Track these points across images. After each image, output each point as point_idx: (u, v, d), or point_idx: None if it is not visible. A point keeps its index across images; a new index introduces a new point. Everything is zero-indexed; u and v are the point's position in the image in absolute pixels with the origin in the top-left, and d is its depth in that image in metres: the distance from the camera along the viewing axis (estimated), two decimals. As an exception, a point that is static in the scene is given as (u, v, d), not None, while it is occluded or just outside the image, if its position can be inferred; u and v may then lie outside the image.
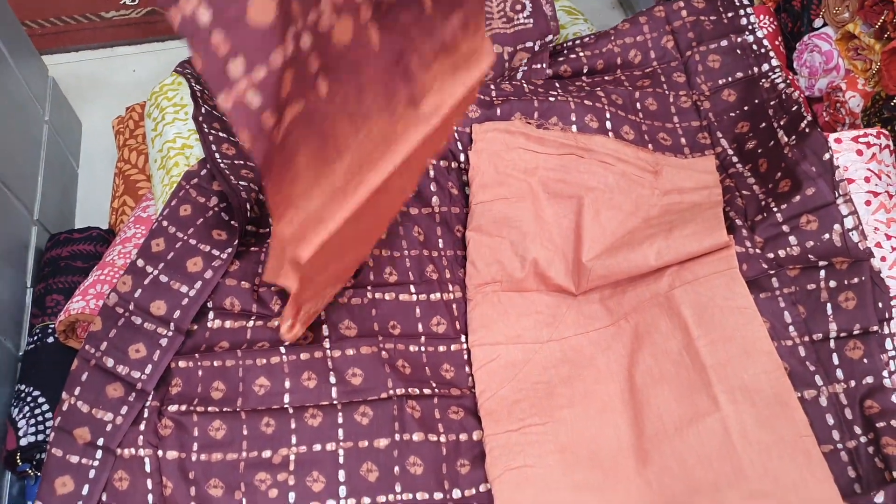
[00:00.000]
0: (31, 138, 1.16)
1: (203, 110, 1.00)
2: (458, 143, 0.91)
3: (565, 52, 1.08)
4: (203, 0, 0.40)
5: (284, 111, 0.47)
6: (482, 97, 0.94)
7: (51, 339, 0.95)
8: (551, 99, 0.94)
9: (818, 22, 1.01)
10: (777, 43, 1.04)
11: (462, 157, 0.91)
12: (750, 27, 1.02)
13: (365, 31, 0.52)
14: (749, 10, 1.04)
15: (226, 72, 0.42)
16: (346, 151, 0.58)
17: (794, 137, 0.86)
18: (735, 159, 0.94)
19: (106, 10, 1.56)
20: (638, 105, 0.99)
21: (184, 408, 0.77)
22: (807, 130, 0.84)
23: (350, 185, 0.61)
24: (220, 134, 0.98)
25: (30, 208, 1.10)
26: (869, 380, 0.74)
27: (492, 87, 0.97)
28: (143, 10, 1.56)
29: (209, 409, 0.78)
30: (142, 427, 0.76)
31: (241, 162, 0.95)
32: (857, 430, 0.73)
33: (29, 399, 0.87)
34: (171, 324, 0.83)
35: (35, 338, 0.96)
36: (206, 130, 0.97)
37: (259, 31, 0.43)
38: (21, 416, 0.85)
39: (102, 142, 1.34)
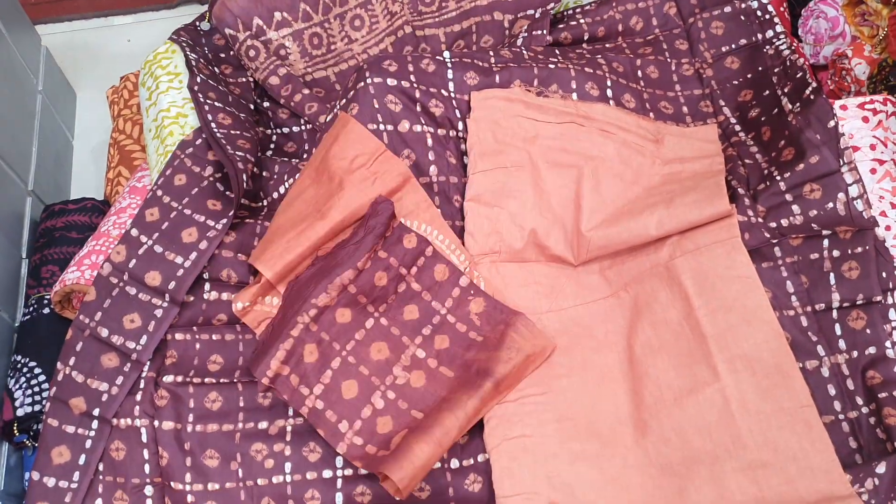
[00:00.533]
0: (24, 109, 1.14)
1: (199, 79, 0.98)
2: (457, 111, 0.90)
3: (566, 18, 1.05)
4: (318, 397, 0.73)
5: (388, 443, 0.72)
6: (480, 63, 0.92)
7: (46, 310, 0.95)
8: (551, 66, 0.92)
9: (825, -13, 0.98)
10: (782, 9, 1.02)
11: (460, 126, 0.89)
12: (755, -8, 0.99)
13: (437, 372, 0.76)
14: (754, -26, 1.01)
15: (337, 429, 0.73)
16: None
17: (798, 105, 0.84)
18: (738, 128, 0.92)
19: (99, -22, 1.53)
20: (639, 73, 0.97)
21: (180, 379, 0.77)
22: (811, 97, 0.82)
23: None
24: (216, 104, 0.96)
25: (24, 179, 1.09)
26: (871, 350, 0.73)
27: (491, 53, 0.95)
28: (137, -21, 1.53)
29: (206, 380, 0.77)
30: (138, 397, 0.76)
31: (238, 132, 0.94)
32: (859, 400, 0.73)
33: (25, 370, 0.86)
34: (167, 294, 0.83)
35: (31, 309, 0.96)
36: (201, 100, 0.95)
37: (350, 401, 0.74)
38: (17, 386, 0.85)
39: (97, 112, 1.32)
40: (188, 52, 1.02)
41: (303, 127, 1.05)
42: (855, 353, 0.74)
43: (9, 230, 1.02)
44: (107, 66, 1.39)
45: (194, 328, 0.82)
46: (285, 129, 1.06)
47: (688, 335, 0.77)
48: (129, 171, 1.11)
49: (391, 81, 0.87)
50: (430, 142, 0.87)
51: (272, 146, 1.05)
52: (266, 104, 1.08)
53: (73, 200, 1.09)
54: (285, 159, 1.00)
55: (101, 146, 1.28)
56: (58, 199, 1.16)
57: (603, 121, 0.90)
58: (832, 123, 0.79)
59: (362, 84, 0.87)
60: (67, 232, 1.03)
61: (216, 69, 1.06)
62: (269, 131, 1.06)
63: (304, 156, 1.03)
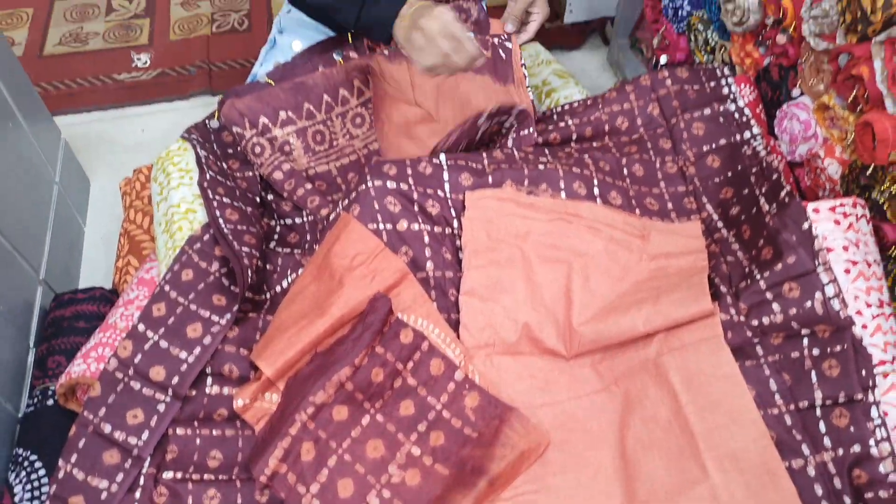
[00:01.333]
0: (40, 199, 1.20)
1: (208, 176, 1.03)
2: (452, 210, 0.94)
3: (555, 118, 1.12)
4: (315, 496, 0.75)
5: None
6: (474, 165, 0.98)
7: (51, 402, 0.97)
8: (541, 167, 0.98)
9: (796, 91, 1.04)
10: (758, 111, 1.08)
11: (455, 224, 0.94)
12: (731, 96, 1.06)
13: (432, 470, 0.78)
14: (730, 79, 1.08)
15: None
16: None
17: (774, 206, 0.88)
18: (720, 224, 0.96)
19: (118, 72, 1.63)
20: (625, 171, 1.02)
21: (179, 475, 0.79)
22: (786, 200, 0.87)
23: None
24: (224, 199, 1.01)
25: (36, 268, 1.13)
26: (856, 448, 0.75)
27: (484, 155, 1.00)
28: (153, 72, 1.62)
29: (205, 476, 0.79)
30: (137, 494, 0.78)
31: (244, 227, 0.99)
32: (847, 500, 0.74)
33: (26, 464, 0.88)
34: (170, 389, 0.85)
35: (35, 400, 0.98)
36: (210, 196, 1.00)
37: (346, 500, 0.75)
38: (17, 481, 0.86)
39: (109, 200, 1.38)
40: (198, 150, 1.08)
41: (305, 218, 1.10)
42: (840, 451, 0.76)
43: (18, 319, 1.05)
44: (121, 155, 1.46)
45: (195, 423, 0.84)
46: (288, 221, 1.11)
47: (677, 433, 0.79)
48: (139, 261, 1.16)
49: (391, 184, 0.92)
50: (426, 239, 0.92)
51: (276, 237, 1.09)
52: (270, 197, 1.13)
53: (82, 290, 1.12)
54: (288, 251, 1.04)
55: (111, 233, 1.33)
56: (67, 285, 1.20)
57: (591, 218, 0.95)
58: (806, 226, 0.84)
59: (364, 187, 0.92)
60: (75, 322, 1.07)
61: (224, 164, 1.12)
62: (272, 222, 1.11)
63: (307, 245, 1.07)
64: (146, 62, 1.64)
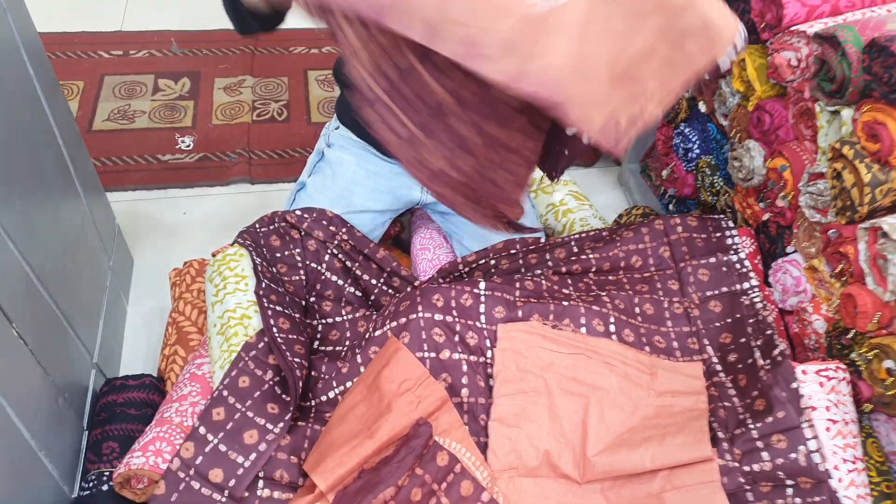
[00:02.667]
0: (95, 282, 1.29)
1: (263, 284, 1.14)
2: (487, 341, 1.06)
3: (575, 250, 1.25)
4: None
5: None
6: (507, 297, 1.10)
7: (105, 487, 1.05)
8: (565, 303, 1.10)
9: (790, 248, 1.19)
10: (756, 262, 1.23)
11: (489, 354, 1.06)
12: (734, 248, 1.20)
13: None
14: (734, 231, 1.22)
15: None
16: None
17: (768, 361, 1.02)
18: (719, 367, 1.09)
19: (163, 152, 1.74)
20: (637, 309, 1.16)
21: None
22: (779, 359, 1.00)
23: None
24: (277, 307, 1.12)
25: (91, 351, 1.22)
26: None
27: (517, 286, 1.13)
28: (196, 156, 1.74)
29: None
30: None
31: (294, 336, 1.09)
32: None
33: (88, 552, 0.96)
34: (226, 491, 0.94)
35: (90, 484, 1.06)
36: (265, 304, 1.11)
37: None
38: (80, 567, 0.94)
39: (151, 279, 1.47)
40: (254, 257, 1.19)
41: (345, 317, 1.21)
42: (817, 592, 0.87)
43: (74, 402, 1.14)
44: (164, 236, 1.56)
45: (247, 524, 0.93)
46: (329, 320, 1.22)
47: (676, 565, 0.90)
48: (185, 351, 1.25)
49: (437, 316, 1.04)
50: (464, 367, 1.03)
51: (318, 336, 1.20)
52: (312, 300, 1.24)
53: (132, 376, 1.21)
54: (330, 349, 1.15)
55: (151, 313, 1.42)
56: (112, 366, 1.29)
57: (607, 354, 1.07)
58: (795, 385, 0.97)
59: (414, 316, 1.04)
60: (127, 408, 1.16)
61: (274, 269, 1.23)
62: (314, 322, 1.22)
63: (346, 343, 1.18)
64: (189, 145, 1.76)
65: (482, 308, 1.08)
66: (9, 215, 0.91)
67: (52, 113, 1.12)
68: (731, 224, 1.23)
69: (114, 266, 1.37)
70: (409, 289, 1.18)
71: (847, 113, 1.02)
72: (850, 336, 1.05)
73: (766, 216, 1.24)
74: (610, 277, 1.22)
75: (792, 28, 1.09)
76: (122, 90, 1.89)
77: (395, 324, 1.06)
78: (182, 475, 0.95)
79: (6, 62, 0.97)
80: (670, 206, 1.54)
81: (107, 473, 1.07)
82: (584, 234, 1.29)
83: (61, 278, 1.08)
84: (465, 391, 1.03)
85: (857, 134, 0.99)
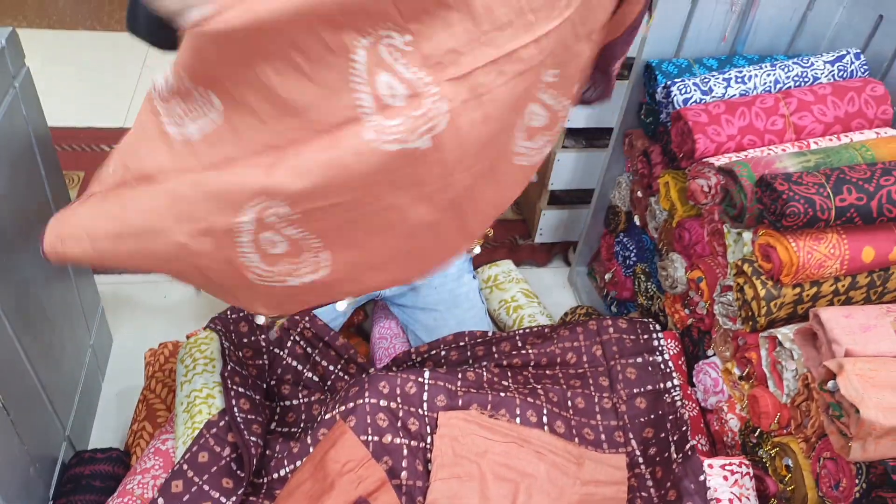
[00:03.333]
0: (76, 359, 1.39)
1: (229, 367, 1.25)
2: (428, 427, 1.17)
3: (519, 345, 1.37)
4: None
5: None
6: (449, 387, 1.21)
7: (64, 556, 1.12)
8: (502, 394, 1.22)
9: (710, 351, 1.32)
10: (680, 363, 1.35)
11: (429, 440, 1.16)
12: (660, 349, 1.33)
13: None
14: (660, 335, 1.36)
15: None
16: None
17: (681, 455, 1.12)
18: (641, 460, 1.20)
19: (151, 239, 1.87)
20: (569, 403, 1.27)
21: None
22: (689, 453, 1.11)
23: None
24: (240, 389, 1.23)
25: (64, 424, 1.30)
26: None
27: (459, 376, 1.24)
28: (181, 243, 1.87)
29: None
30: None
31: (253, 417, 1.19)
32: None
33: None
34: (179, 560, 1.02)
35: (50, 552, 1.12)
36: (229, 385, 1.22)
37: None
38: None
39: (128, 359, 1.55)
40: (223, 342, 1.31)
41: (301, 400, 1.31)
42: None
43: (44, 472, 1.22)
44: (143, 318, 1.67)
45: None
46: (287, 403, 1.32)
47: None
48: (153, 427, 1.34)
49: (383, 402, 1.15)
50: (405, 451, 1.13)
51: (276, 417, 1.30)
52: (273, 382, 1.35)
53: (101, 450, 1.30)
54: (286, 430, 1.24)
55: (126, 391, 1.51)
56: (82, 439, 1.37)
57: (538, 444, 1.17)
58: (702, 478, 1.07)
59: (361, 401, 1.15)
60: (92, 480, 1.23)
61: (240, 353, 1.34)
62: (273, 404, 1.32)
63: (301, 424, 1.27)
64: (178, 232, 1.89)
65: (425, 396, 1.19)
66: (7, 295, 1.03)
67: (53, 200, 1.26)
68: (657, 327, 1.37)
69: (94, 344, 1.48)
70: (362, 375, 1.29)
71: (747, 235, 1.18)
72: (757, 434, 1.16)
73: (689, 321, 1.37)
74: (547, 372, 1.34)
75: (703, 160, 1.27)
76: (119, 180, 2.05)
77: (343, 408, 1.17)
78: (137, 544, 1.03)
79: (19, 154, 1.12)
80: (612, 307, 1.68)
81: (66, 542, 1.13)
82: (527, 330, 1.41)
83: (46, 354, 1.19)
84: (404, 474, 1.12)
85: (755, 254, 1.15)
